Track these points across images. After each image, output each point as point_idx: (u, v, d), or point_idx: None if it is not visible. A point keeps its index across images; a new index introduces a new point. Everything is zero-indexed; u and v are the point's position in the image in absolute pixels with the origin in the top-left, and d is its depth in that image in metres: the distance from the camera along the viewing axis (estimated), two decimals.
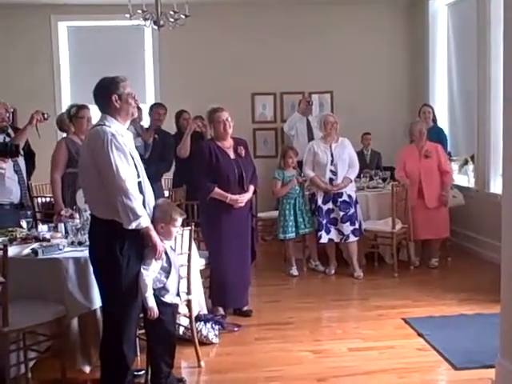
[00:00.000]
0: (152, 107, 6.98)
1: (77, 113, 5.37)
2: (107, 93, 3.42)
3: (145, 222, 3.36)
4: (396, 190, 6.36)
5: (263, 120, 9.00)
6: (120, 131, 3.40)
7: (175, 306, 3.79)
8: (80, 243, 4.05)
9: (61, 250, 3.96)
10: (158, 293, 3.59)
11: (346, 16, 8.77)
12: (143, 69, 8.87)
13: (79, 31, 8.84)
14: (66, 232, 4.30)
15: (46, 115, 5.34)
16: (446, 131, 8.00)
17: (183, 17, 6.85)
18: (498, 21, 6.23)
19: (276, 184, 6.40)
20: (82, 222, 4.24)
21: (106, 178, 3.31)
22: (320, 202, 6.33)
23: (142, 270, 3.46)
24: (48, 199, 6.10)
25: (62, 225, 4.38)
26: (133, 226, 3.31)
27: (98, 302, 3.74)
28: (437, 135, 7.11)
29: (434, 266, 6.68)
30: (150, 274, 3.50)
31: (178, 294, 3.76)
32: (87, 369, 3.92)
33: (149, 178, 3.58)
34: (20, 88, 8.20)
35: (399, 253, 6.71)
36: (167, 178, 7.26)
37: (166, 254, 3.60)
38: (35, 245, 4.04)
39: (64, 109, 8.17)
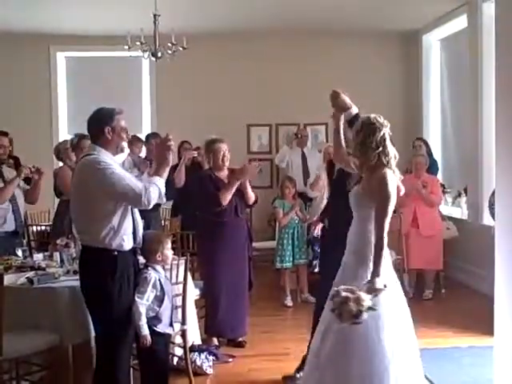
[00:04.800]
0: (148, 138, 7.03)
1: (77, 143, 5.41)
2: (101, 124, 3.44)
3: (160, 183, 3.43)
4: (390, 221, 6.38)
5: (258, 151, 9.06)
6: (110, 162, 3.41)
7: (168, 336, 3.79)
8: (75, 272, 4.03)
9: (56, 278, 3.96)
10: (151, 322, 3.60)
11: (341, 49, 8.88)
12: (140, 99, 8.95)
13: (77, 62, 8.94)
14: (62, 261, 4.30)
15: (34, 169, 5.20)
16: (439, 163, 8.09)
17: (181, 49, 6.96)
18: (490, 55, 6.35)
19: (278, 212, 6.46)
20: (77, 250, 4.23)
21: (124, 195, 3.34)
22: (316, 231, 6.35)
23: (136, 298, 3.48)
24: (43, 227, 6.10)
25: (58, 254, 4.39)
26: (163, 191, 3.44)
27: (92, 331, 3.73)
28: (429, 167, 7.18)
29: (427, 298, 6.68)
30: (144, 302, 3.52)
31: (170, 324, 3.76)
32: None
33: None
34: (17, 117, 8.25)
35: None
36: (164, 207, 7.25)
37: (160, 283, 3.63)
38: (30, 273, 4.04)
39: (61, 138, 8.28)
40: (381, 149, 3.20)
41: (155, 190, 3.37)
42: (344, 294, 2.97)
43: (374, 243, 3.18)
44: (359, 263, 3.24)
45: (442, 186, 7.59)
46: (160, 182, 3.43)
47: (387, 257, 3.26)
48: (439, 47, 8.56)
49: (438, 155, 8.29)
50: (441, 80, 8.51)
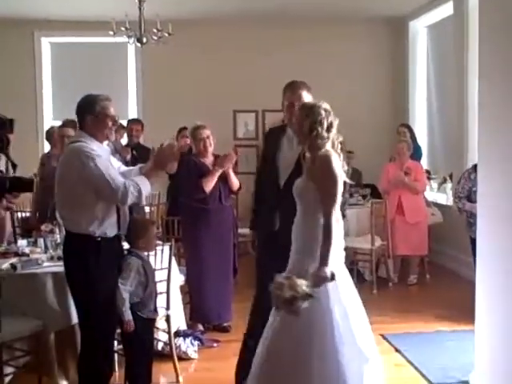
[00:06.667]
0: (128, 123, 7.01)
1: (59, 130, 5.40)
2: (85, 112, 3.42)
3: (145, 185, 3.40)
4: (375, 207, 6.44)
5: (245, 137, 9.04)
6: (96, 149, 3.39)
7: (152, 321, 3.80)
8: (59, 258, 4.03)
9: (40, 264, 3.96)
10: (135, 308, 3.61)
11: (327, 35, 8.83)
12: (126, 85, 8.89)
13: (62, 47, 8.86)
14: (46, 247, 4.30)
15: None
16: (425, 150, 8.13)
17: (166, 35, 6.92)
18: (476, 42, 6.36)
19: None
20: (61, 236, 4.23)
21: (100, 189, 3.32)
22: None
23: (119, 283, 3.49)
24: (28, 214, 6.07)
25: (42, 240, 4.38)
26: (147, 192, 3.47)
27: (75, 318, 3.73)
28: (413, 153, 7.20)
29: (412, 283, 6.74)
30: (128, 287, 3.53)
31: (155, 309, 3.78)
32: None
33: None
34: (2, 103, 8.14)
35: (378, 270, 6.76)
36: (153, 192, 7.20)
37: (144, 268, 3.64)
38: (14, 259, 4.03)
39: (46, 124, 8.24)
40: (328, 134, 3.12)
41: (135, 190, 3.34)
42: (279, 279, 2.89)
43: (322, 230, 3.00)
44: (309, 261, 3.05)
45: (428, 172, 7.64)
46: (145, 184, 3.40)
47: (339, 246, 3.15)
48: (426, 34, 8.57)
49: (423, 141, 8.33)
50: (427, 66, 8.53)
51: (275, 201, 3.56)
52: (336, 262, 3.11)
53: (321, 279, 2.93)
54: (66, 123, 5.51)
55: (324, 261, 2.96)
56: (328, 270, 2.94)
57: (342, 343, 2.99)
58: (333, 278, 2.95)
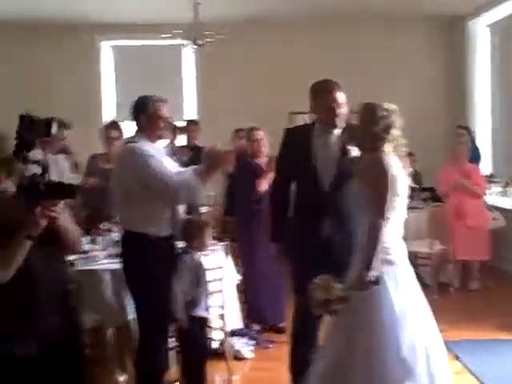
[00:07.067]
0: (188, 124, 7.11)
1: (106, 131, 5.51)
2: (139, 112, 3.47)
3: (198, 185, 3.35)
4: (435, 211, 6.30)
5: None
6: (150, 149, 3.41)
7: (204, 320, 3.82)
8: (117, 256, 4.10)
9: (97, 261, 4.03)
10: (188, 306, 3.63)
11: (383, 35, 8.71)
12: (184, 86, 8.99)
13: (123, 50, 9.04)
14: (104, 245, 4.38)
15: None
16: (489, 153, 7.89)
17: (221, 37, 6.98)
18: None
19: None
20: (119, 235, 4.30)
21: (153, 188, 3.34)
22: None
23: (173, 282, 3.52)
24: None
25: (101, 238, 4.47)
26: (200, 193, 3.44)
27: (130, 314, 3.79)
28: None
29: (473, 289, 6.55)
30: (181, 286, 3.56)
31: (207, 309, 3.80)
32: (122, 378, 3.96)
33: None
34: (64, 106, 8.34)
35: (439, 275, 6.60)
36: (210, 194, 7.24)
37: (196, 267, 3.66)
38: (73, 256, 4.11)
39: None
40: (385, 135, 3.03)
41: (187, 190, 3.34)
42: (317, 280, 2.85)
43: (367, 233, 2.89)
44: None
45: (490, 175, 7.42)
46: (197, 185, 3.36)
47: (400, 248, 3.07)
48: (489, 32, 8.32)
49: (487, 144, 8.10)
50: (491, 67, 8.27)
51: (322, 205, 3.40)
52: (399, 263, 3.03)
53: (363, 283, 2.86)
54: (110, 124, 5.62)
55: (367, 264, 2.87)
56: (372, 274, 2.86)
57: (387, 350, 2.90)
58: (377, 282, 2.86)
